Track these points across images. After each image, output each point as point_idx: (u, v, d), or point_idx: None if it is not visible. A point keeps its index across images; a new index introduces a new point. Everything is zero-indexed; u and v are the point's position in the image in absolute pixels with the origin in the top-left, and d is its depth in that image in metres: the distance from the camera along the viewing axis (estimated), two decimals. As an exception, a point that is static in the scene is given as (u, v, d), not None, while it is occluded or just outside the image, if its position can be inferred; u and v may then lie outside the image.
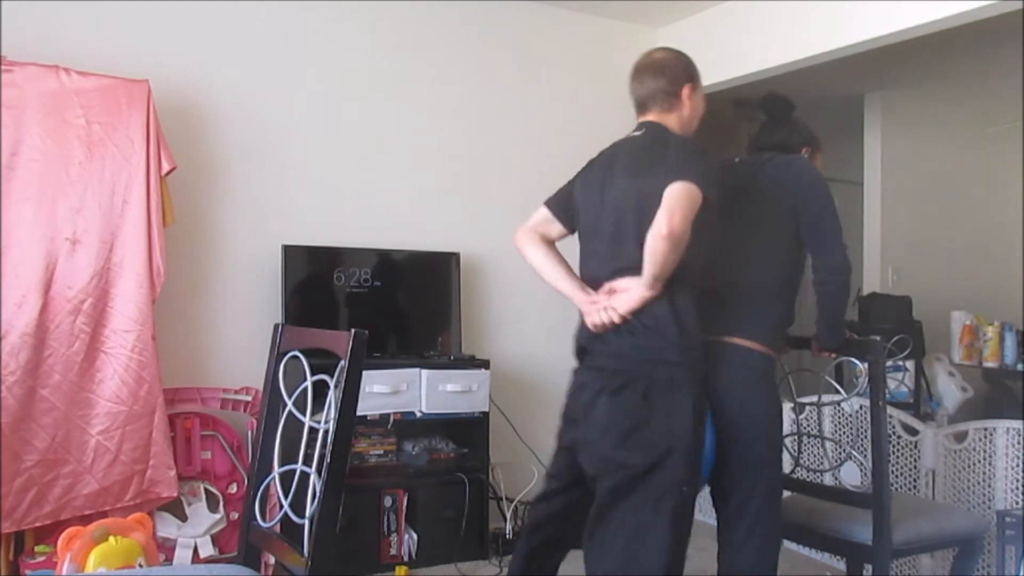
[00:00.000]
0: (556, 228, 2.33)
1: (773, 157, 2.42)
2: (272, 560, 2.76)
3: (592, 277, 2.22)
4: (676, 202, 1.98)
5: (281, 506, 1.77)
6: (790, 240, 2.34)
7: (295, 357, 1.90)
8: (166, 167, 3.05)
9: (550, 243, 2.33)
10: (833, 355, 2.54)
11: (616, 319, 2.09)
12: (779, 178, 2.36)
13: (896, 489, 3.25)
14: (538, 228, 2.34)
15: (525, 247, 2.32)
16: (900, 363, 4.22)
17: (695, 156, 2.10)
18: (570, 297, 2.24)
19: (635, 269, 2.07)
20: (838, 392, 2.83)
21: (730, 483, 2.28)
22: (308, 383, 1.82)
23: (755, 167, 2.39)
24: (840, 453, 3.34)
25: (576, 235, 2.33)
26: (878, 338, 2.36)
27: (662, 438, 2.05)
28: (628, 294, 2.08)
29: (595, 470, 2.13)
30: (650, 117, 2.25)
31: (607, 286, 2.13)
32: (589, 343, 2.21)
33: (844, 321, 2.41)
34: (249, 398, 3.29)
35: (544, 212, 2.35)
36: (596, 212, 2.22)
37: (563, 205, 2.33)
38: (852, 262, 2.37)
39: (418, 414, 3.41)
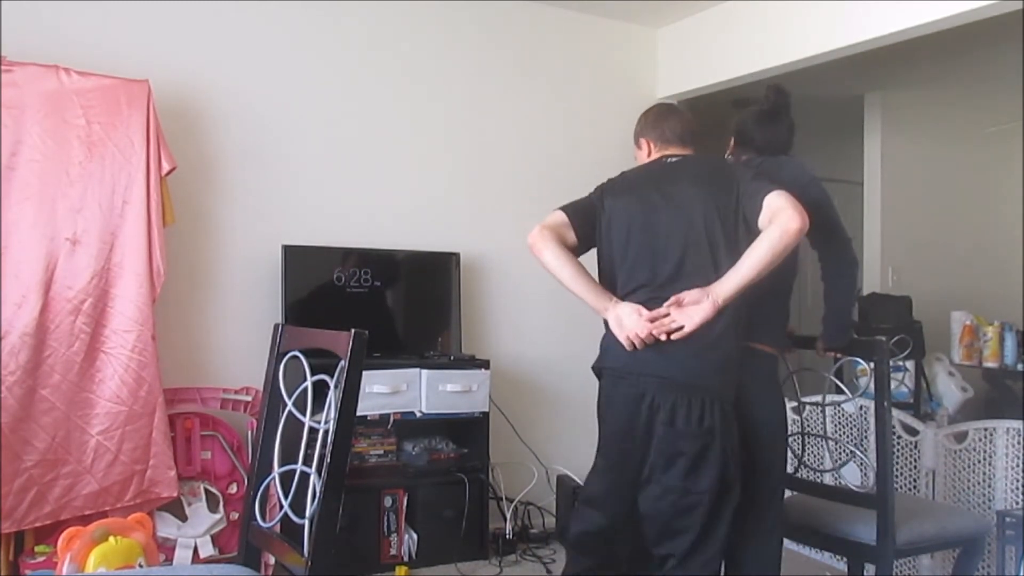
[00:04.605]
0: (571, 236, 2.28)
1: (764, 161, 2.42)
2: (272, 560, 2.76)
3: (634, 288, 2.19)
4: (798, 203, 2.03)
5: (281, 506, 1.77)
6: None
7: (295, 357, 1.90)
8: (166, 167, 3.05)
9: (564, 244, 2.26)
10: (837, 355, 2.55)
11: (682, 335, 2.05)
12: (775, 180, 2.37)
13: (896, 489, 3.25)
14: (557, 229, 2.26)
15: (544, 246, 2.21)
16: (900, 363, 4.22)
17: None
18: (592, 303, 2.19)
19: (694, 277, 2.08)
20: (841, 392, 2.83)
21: (748, 483, 2.28)
22: (308, 383, 1.81)
23: (747, 171, 2.39)
24: (842, 453, 3.34)
25: (589, 252, 2.33)
26: (883, 338, 2.37)
27: (718, 459, 2.09)
28: (699, 307, 2.04)
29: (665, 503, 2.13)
30: (687, 151, 2.32)
31: (673, 298, 2.07)
32: (627, 364, 2.16)
33: (851, 320, 2.43)
34: (249, 398, 3.29)
35: (562, 217, 2.29)
36: (645, 226, 2.20)
37: (582, 217, 2.29)
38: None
39: (418, 414, 3.41)
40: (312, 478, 1.73)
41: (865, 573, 2.65)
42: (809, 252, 2.46)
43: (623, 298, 2.19)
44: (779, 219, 2.00)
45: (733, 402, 2.12)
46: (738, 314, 2.12)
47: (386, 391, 3.31)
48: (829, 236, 2.37)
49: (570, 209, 2.31)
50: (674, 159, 2.30)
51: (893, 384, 4.19)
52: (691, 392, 2.07)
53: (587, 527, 2.28)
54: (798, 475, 2.67)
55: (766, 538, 2.30)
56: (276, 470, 1.86)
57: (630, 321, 2.12)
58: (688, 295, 2.06)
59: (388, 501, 3.37)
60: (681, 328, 2.06)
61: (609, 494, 2.26)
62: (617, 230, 2.24)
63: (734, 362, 2.12)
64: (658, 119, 2.37)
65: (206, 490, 3.15)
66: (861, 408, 3.34)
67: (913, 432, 3.28)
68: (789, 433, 2.85)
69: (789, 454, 2.70)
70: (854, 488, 2.53)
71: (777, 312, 2.37)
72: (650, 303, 2.13)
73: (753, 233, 2.07)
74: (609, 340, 2.22)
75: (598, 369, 2.26)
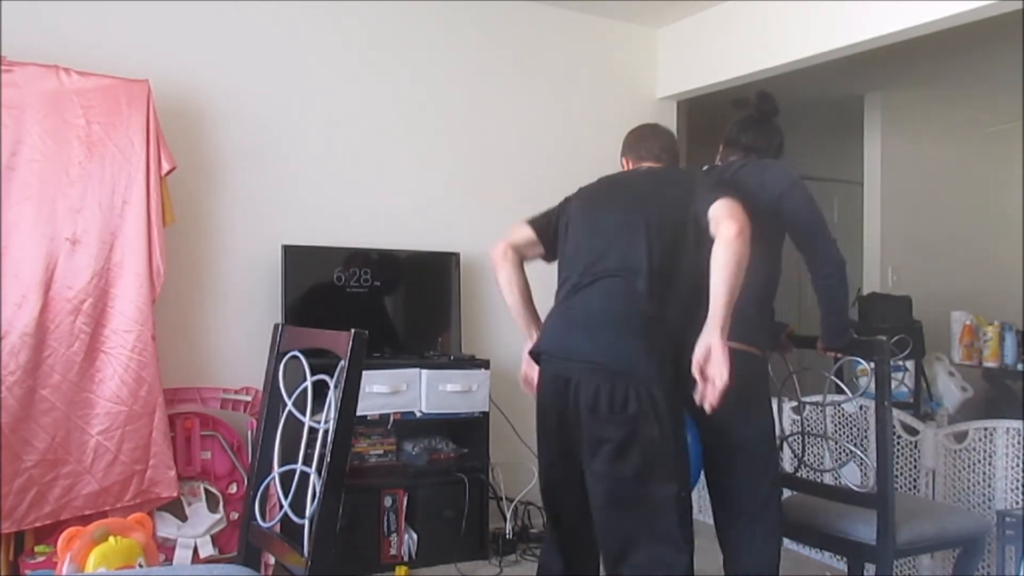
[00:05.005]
0: (536, 251, 2.35)
1: (747, 164, 2.40)
2: (272, 560, 2.76)
3: (567, 278, 2.22)
4: (736, 208, 2.03)
5: (281, 506, 1.77)
6: (770, 244, 2.33)
7: (295, 357, 1.90)
8: (166, 167, 3.05)
9: (521, 264, 2.35)
10: (838, 355, 2.54)
11: (727, 387, 2.00)
12: (757, 183, 2.35)
13: (896, 489, 3.25)
14: (519, 247, 2.33)
15: (500, 266, 2.32)
16: (900, 363, 4.22)
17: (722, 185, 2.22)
18: (521, 329, 2.33)
19: (620, 270, 2.09)
20: (841, 392, 2.83)
21: (737, 485, 2.27)
22: (308, 383, 1.81)
23: (730, 172, 2.37)
24: (842, 453, 3.34)
25: (555, 256, 2.35)
26: (883, 338, 2.36)
27: (645, 447, 2.03)
28: (712, 353, 1.99)
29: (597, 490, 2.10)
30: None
31: (695, 365, 2.01)
32: (558, 347, 2.17)
33: (848, 319, 2.42)
34: (249, 398, 3.29)
35: (528, 233, 2.34)
36: (589, 222, 2.24)
37: (546, 229, 2.34)
38: (850, 262, 2.38)
39: (418, 414, 3.41)
40: (312, 478, 1.73)
41: (865, 573, 2.65)
42: (796, 250, 2.44)
43: (560, 286, 2.23)
44: (718, 235, 2.01)
45: (669, 389, 2.06)
46: (679, 300, 2.09)
47: (386, 391, 3.31)
48: (813, 239, 2.35)
49: (537, 224, 2.36)
50: (643, 168, 2.35)
51: (894, 384, 4.19)
52: (615, 377, 2.03)
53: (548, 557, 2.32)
54: (798, 475, 2.67)
55: (755, 533, 2.27)
56: (276, 470, 1.86)
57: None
58: (697, 353, 2.02)
59: (388, 501, 3.37)
60: (725, 382, 2.02)
61: (558, 497, 2.25)
62: (569, 228, 2.29)
63: (668, 348, 2.07)
64: (637, 140, 2.42)
65: (206, 490, 3.15)
66: (861, 408, 3.34)
67: (913, 432, 3.28)
68: (789, 433, 2.86)
69: (789, 453, 2.70)
70: (854, 488, 2.53)
71: (759, 314, 2.34)
72: (576, 291, 2.16)
73: (703, 231, 2.08)
74: (546, 322, 2.24)
75: (535, 353, 2.26)
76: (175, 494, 3.01)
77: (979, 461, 3.09)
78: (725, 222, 2.00)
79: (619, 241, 2.14)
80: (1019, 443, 2.98)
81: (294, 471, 1.77)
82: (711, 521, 2.39)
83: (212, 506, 3.13)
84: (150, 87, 3.05)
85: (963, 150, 5.70)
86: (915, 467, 3.28)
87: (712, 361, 1.99)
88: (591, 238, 2.22)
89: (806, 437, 2.72)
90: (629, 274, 2.09)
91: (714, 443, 2.30)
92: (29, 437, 2.79)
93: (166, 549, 2.98)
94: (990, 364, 4.37)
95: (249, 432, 3.25)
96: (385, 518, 3.36)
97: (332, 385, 1.72)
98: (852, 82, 5.17)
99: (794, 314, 6.16)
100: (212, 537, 3.07)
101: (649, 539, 2.06)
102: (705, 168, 2.53)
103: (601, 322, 2.09)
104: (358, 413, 1.75)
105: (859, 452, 2.92)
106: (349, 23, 3.77)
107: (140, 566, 2.36)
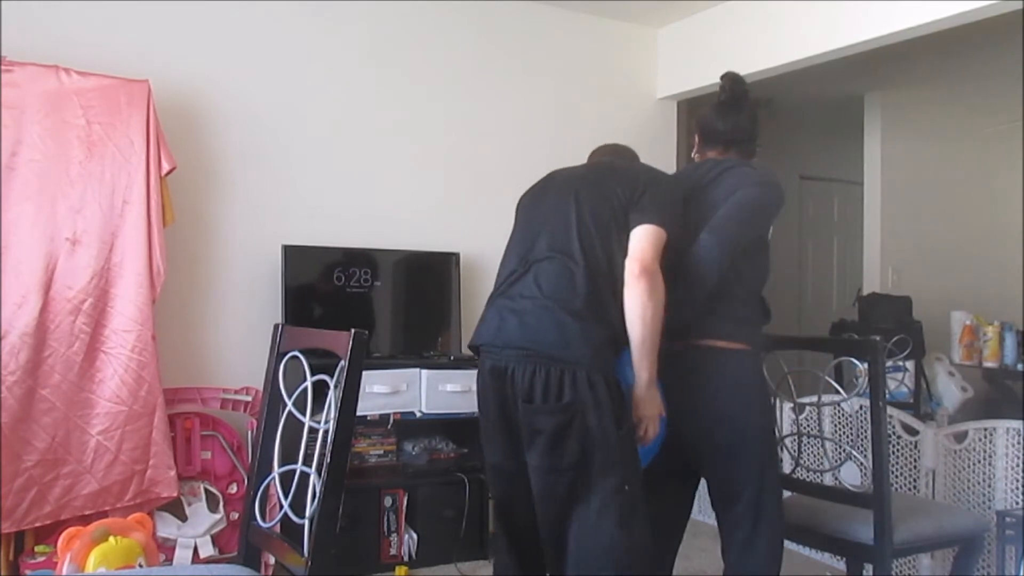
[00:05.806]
0: None
1: (730, 167, 2.30)
2: (272, 560, 2.76)
3: (503, 278, 2.21)
4: (646, 244, 2.03)
5: (281, 506, 1.77)
6: (756, 242, 2.27)
7: (295, 357, 1.90)
8: (166, 167, 3.06)
9: None
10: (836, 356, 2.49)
11: (657, 423, 2.07)
12: (739, 184, 2.26)
13: (896, 489, 3.25)
14: None
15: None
16: (900, 363, 4.23)
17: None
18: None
19: (550, 259, 2.07)
20: (838, 392, 2.82)
21: (733, 484, 2.25)
22: (308, 383, 1.81)
23: (715, 173, 2.30)
24: (840, 453, 3.34)
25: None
26: (878, 338, 2.35)
27: (582, 435, 1.95)
28: (641, 403, 2.04)
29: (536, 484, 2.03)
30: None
31: (634, 405, 2.05)
32: (493, 337, 2.10)
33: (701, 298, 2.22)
34: (249, 398, 3.29)
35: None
36: (526, 215, 2.27)
37: None
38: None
39: (418, 414, 3.41)
40: (312, 478, 1.73)
41: (864, 573, 2.65)
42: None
43: (497, 279, 2.22)
44: (626, 270, 2.00)
45: (610, 373, 1.99)
46: (614, 284, 2.02)
47: (386, 391, 3.31)
48: (721, 224, 2.17)
49: None
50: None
51: (894, 384, 4.21)
52: (551, 362, 1.96)
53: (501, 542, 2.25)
54: (795, 475, 2.67)
55: (754, 532, 2.23)
56: (276, 470, 1.86)
57: None
58: (635, 406, 2.04)
59: (388, 501, 3.37)
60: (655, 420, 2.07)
61: (510, 506, 2.18)
62: (513, 227, 2.29)
63: (609, 330, 2.01)
64: (590, 157, 2.50)
65: (206, 490, 3.15)
66: (860, 408, 3.34)
67: (913, 432, 3.28)
68: (787, 434, 2.86)
69: (786, 455, 2.70)
70: (851, 488, 2.53)
71: (746, 310, 2.28)
72: (512, 281, 2.13)
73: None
74: (481, 316, 2.19)
75: (474, 347, 2.20)
76: (175, 494, 3.01)
77: (979, 461, 3.09)
78: (631, 259, 2.00)
79: (551, 225, 2.12)
80: (1019, 443, 2.98)
81: (294, 471, 1.77)
82: (712, 521, 2.39)
83: (212, 506, 3.13)
84: (150, 87, 3.05)
85: (963, 150, 5.71)
86: (915, 467, 3.28)
87: (640, 405, 2.03)
88: (526, 229, 2.20)
89: (806, 438, 2.72)
90: (562, 256, 2.05)
91: (706, 437, 2.27)
92: (29, 437, 2.79)
93: (166, 549, 2.98)
94: (990, 364, 4.38)
95: (249, 432, 3.25)
96: (385, 518, 3.36)
97: (332, 385, 1.72)
98: (852, 82, 5.17)
99: (794, 314, 6.17)
100: (212, 537, 3.07)
101: (579, 543, 1.98)
102: (685, 169, 2.45)
103: (536, 307, 2.02)
104: (358, 413, 1.75)
105: (856, 453, 2.92)
106: (349, 24, 3.77)
107: (140, 566, 2.36)
